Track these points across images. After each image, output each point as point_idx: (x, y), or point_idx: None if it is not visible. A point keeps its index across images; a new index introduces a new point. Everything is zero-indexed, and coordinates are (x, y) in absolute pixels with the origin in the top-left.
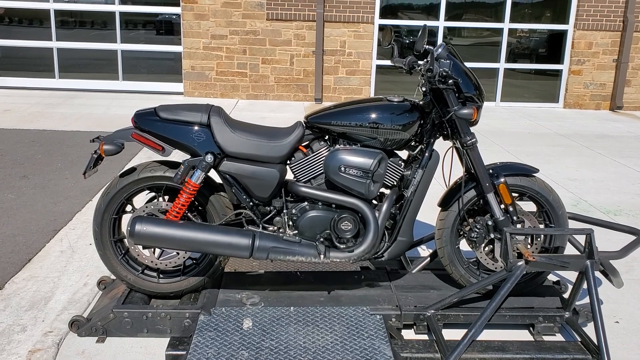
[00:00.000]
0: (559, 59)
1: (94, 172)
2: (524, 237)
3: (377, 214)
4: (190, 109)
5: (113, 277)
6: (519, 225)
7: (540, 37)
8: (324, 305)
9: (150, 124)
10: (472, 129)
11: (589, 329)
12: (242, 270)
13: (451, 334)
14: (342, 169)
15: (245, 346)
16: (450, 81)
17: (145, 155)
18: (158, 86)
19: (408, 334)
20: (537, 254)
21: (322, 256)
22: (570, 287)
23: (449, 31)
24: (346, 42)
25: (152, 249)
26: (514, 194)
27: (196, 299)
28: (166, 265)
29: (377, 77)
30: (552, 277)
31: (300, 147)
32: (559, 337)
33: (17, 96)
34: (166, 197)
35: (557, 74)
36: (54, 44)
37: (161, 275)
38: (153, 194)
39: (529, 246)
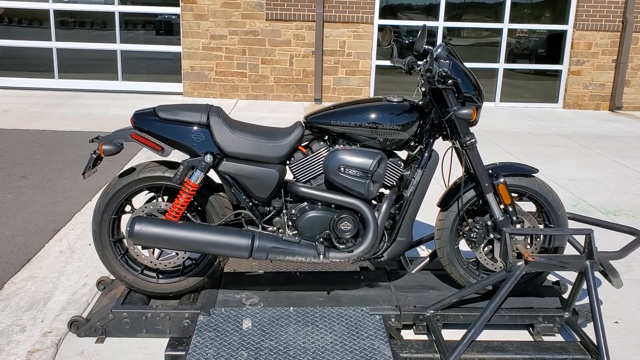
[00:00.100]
0: (558, 59)
1: (93, 172)
2: (523, 237)
3: (376, 214)
4: (189, 109)
5: (112, 277)
6: (518, 226)
7: (539, 37)
8: (323, 305)
9: (150, 124)
10: (472, 129)
11: (589, 329)
12: (242, 270)
13: (451, 334)
14: (342, 169)
15: (245, 346)
16: (450, 81)
17: (144, 156)
18: (157, 86)
19: (407, 334)
20: (537, 254)
21: (321, 256)
22: (569, 287)
23: (449, 31)
24: (346, 43)
25: (152, 249)
26: (513, 194)
27: (195, 299)
28: (165, 265)
29: (377, 78)
30: (551, 278)
31: (299, 147)
32: (558, 338)
33: (17, 96)
34: (165, 198)
35: (556, 74)
36: (54, 44)
37: (160, 276)
38: (152, 194)
39: (528, 246)
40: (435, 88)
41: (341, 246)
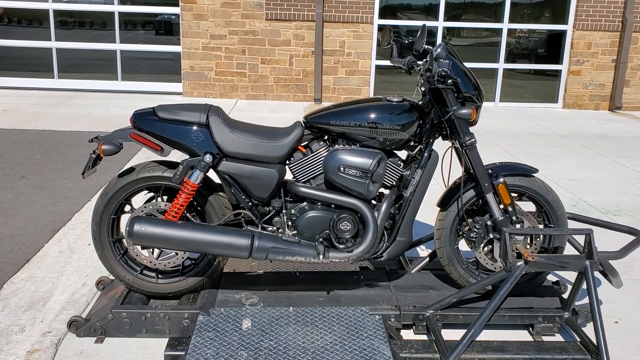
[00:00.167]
0: (558, 59)
1: (93, 172)
2: (523, 237)
3: (376, 214)
4: (188, 109)
5: (112, 277)
6: (518, 226)
7: (539, 37)
8: (323, 305)
9: (149, 124)
10: (471, 129)
11: (589, 329)
12: (241, 270)
13: (450, 334)
14: (342, 169)
15: (244, 346)
16: (450, 81)
17: (144, 155)
18: (157, 86)
19: (407, 334)
20: (537, 254)
21: (321, 256)
22: (569, 287)
23: (448, 31)
24: (345, 42)
25: (151, 249)
26: (513, 194)
27: (195, 300)
28: (165, 265)
29: (377, 77)
30: (551, 277)
31: (299, 147)
32: (558, 338)
33: (16, 96)
34: (165, 197)
35: (556, 74)
36: (53, 44)
37: (160, 276)
38: (152, 194)
39: (528, 246)
40: (435, 88)
41: (341, 246)
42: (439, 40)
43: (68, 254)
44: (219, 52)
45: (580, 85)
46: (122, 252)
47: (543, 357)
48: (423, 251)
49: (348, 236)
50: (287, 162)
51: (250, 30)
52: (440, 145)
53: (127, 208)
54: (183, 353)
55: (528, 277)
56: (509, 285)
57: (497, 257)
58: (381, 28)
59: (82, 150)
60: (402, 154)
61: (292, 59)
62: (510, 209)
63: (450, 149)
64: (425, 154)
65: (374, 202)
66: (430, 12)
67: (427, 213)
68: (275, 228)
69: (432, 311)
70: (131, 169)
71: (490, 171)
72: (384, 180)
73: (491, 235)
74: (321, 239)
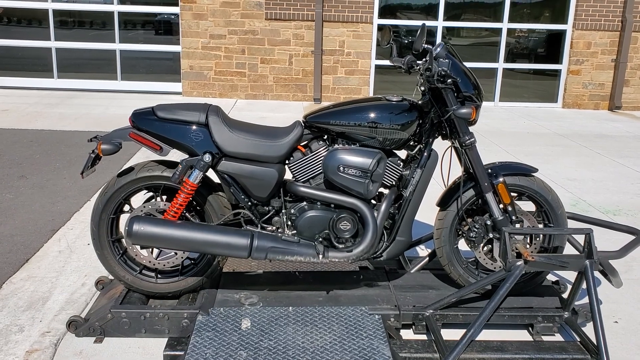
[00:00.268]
0: (557, 59)
1: (92, 171)
2: (522, 236)
3: (375, 214)
4: (188, 109)
5: (111, 277)
6: (517, 225)
7: (539, 37)
8: (322, 305)
9: (148, 124)
10: (471, 128)
11: (588, 329)
12: (241, 270)
13: (450, 334)
14: (341, 168)
15: (244, 346)
16: (449, 80)
17: (143, 155)
18: (156, 86)
19: (407, 334)
20: (536, 253)
21: (320, 256)
22: (569, 287)
23: (448, 31)
24: (345, 42)
25: (150, 249)
26: (512, 194)
27: (194, 299)
28: (164, 265)
29: (376, 77)
30: (551, 277)
31: (299, 146)
32: (558, 337)
33: (16, 96)
34: (164, 197)
35: (555, 73)
36: (53, 44)
37: (159, 276)
38: (151, 193)
39: (528, 246)
40: (435, 87)
41: (340, 246)
42: (438, 39)
43: (67, 253)
44: (219, 52)
45: (579, 85)
46: (121, 251)
47: (543, 357)
48: (423, 251)
49: (347, 236)
50: (287, 161)
51: (250, 30)
52: (440, 145)
53: (126, 208)
54: (182, 353)
55: (528, 277)
56: (509, 285)
57: (496, 256)
58: (381, 28)
59: (81, 150)
60: (402, 153)
61: (291, 59)
62: (509, 208)
63: (449, 148)
64: (425, 154)
65: (373, 201)
66: (430, 11)
67: (427, 213)
68: (274, 228)
69: (431, 311)
70: (130, 169)
71: (489, 171)
72: (384, 180)
73: (491, 235)
74: (321, 239)
